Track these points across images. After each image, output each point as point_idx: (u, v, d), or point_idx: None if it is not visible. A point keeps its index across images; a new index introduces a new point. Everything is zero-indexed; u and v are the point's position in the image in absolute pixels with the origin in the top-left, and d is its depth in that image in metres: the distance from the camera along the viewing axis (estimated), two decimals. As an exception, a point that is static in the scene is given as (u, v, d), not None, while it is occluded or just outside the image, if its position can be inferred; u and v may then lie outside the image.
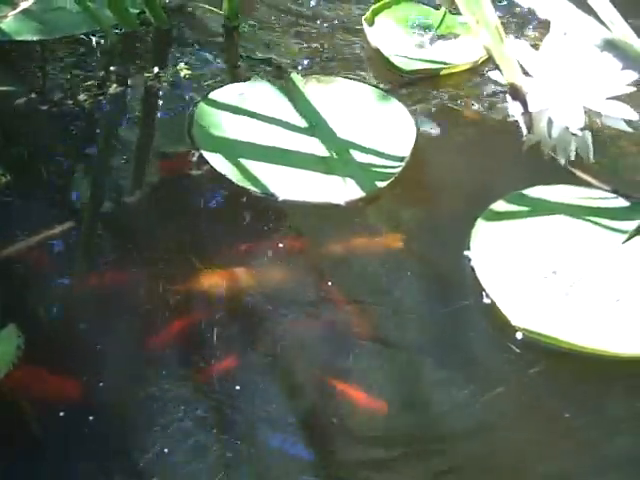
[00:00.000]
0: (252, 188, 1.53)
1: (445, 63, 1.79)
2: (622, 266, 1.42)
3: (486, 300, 1.37)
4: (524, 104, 1.15)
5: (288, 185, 1.53)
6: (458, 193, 1.56)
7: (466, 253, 1.43)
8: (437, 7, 1.91)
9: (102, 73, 1.75)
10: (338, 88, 1.73)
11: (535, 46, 1.72)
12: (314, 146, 1.61)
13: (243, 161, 1.57)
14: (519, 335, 1.33)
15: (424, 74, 1.78)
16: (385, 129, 1.65)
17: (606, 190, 1.53)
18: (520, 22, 1.88)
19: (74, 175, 1.60)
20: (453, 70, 1.79)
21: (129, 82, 1.74)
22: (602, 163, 1.60)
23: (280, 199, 1.51)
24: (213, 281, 1.39)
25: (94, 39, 1.81)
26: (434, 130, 1.57)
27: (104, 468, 1.18)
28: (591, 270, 1.41)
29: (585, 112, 1.63)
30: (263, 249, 1.44)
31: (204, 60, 1.80)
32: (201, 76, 1.76)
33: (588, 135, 1.63)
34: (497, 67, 1.15)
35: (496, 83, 1.71)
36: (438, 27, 1.87)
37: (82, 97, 1.68)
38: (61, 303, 1.36)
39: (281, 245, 1.45)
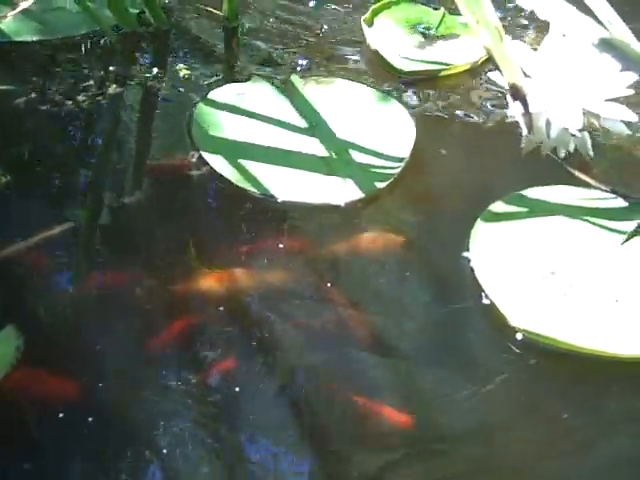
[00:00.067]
0: (251, 189, 1.53)
1: (444, 64, 1.79)
2: (621, 267, 1.42)
3: (485, 301, 1.37)
4: (524, 104, 1.15)
5: (287, 186, 1.53)
6: (457, 194, 1.56)
7: (465, 254, 1.43)
8: (436, 8, 1.91)
9: (101, 73, 1.75)
10: (337, 89, 1.73)
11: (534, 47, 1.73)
12: (313, 147, 1.61)
13: (242, 162, 1.57)
14: (518, 336, 1.33)
15: (423, 75, 1.78)
16: (384, 130, 1.65)
17: (605, 191, 1.53)
18: (518, 23, 1.88)
19: (73, 175, 1.60)
20: (452, 71, 1.79)
21: (128, 82, 1.74)
22: (601, 164, 1.61)
23: (279, 200, 1.51)
24: (212, 282, 1.39)
25: (94, 39, 1.81)
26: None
27: (103, 468, 1.18)
28: (590, 271, 1.41)
29: (584, 113, 1.63)
30: (262, 250, 1.44)
31: (203, 60, 1.80)
32: (200, 76, 1.76)
33: (587, 136, 1.63)
34: (497, 67, 1.16)
35: (496, 84, 1.71)
36: (437, 28, 1.87)
37: (81, 97, 1.69)
38: (60, 304, 1.35)
39: (281, 246, 1.45)
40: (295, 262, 1.43)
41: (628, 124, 1.65)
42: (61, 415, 1.21)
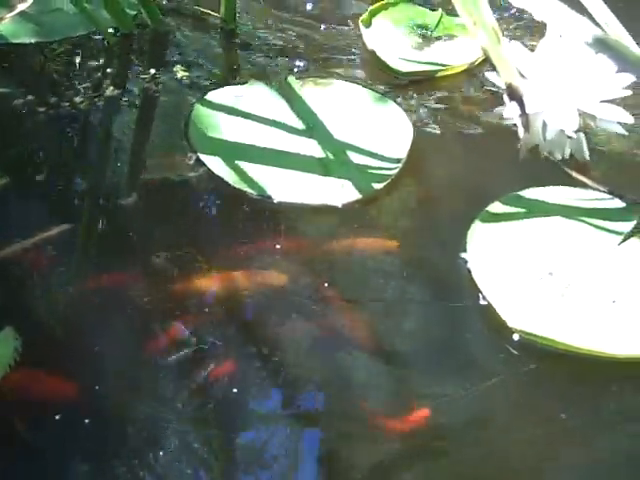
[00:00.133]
0: (249, 190, 1.53)
1: (442, 64, 1.79)
2: (618, 267, 1.42)
3: (482, 302, 1.37)
4: (521, 105, 1.15)
5: (285, 187, 1.53)
6: (454, 194, 1.56)
7: (462, 255, 1.43)
8: (434, 9, 1.91)
9: (99, 75, 1.75)
10: (335, 90, 1.73)
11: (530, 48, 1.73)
12: (311, 148, 1.61)
13: (240, 163, 1.57)
14: (516, 336, 1.33)
15: (421, 75, 1.78)
16: (382, 131, 1.65)
17: (602, 191, 1.53)
18: (516, 24, 1.89)
19: (71, 177, 1.60)
20: (450, 71, 1.79)
21: (126, 84, 1.74)
22: (598, 165, 1.61)
23: (277, 201, 1.51)
24: (210, 283, 1.39)
25: (91, 41, 1.81)
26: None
27: (102, 469, 1.18)
28: (587, 271, 1.41)
29: (580, 114, 1.63)
30: (260, 251, 1.44)
31: (201, 62, 1.81)
32: (198, 78, 1.76)
33: (582, 137, 1.63)
34: (494, 68, 1.16)
35: (493, 84, 1.71)
36: (435, 29, 1.87)
37: (79, 99, 1.68)
38: (58, 305, 1.35)
39: (278, 247, 1.45)
40: (293, 263, 1.43)
41: (624, 125, 1.65)
42: (59, 416, 1.21)
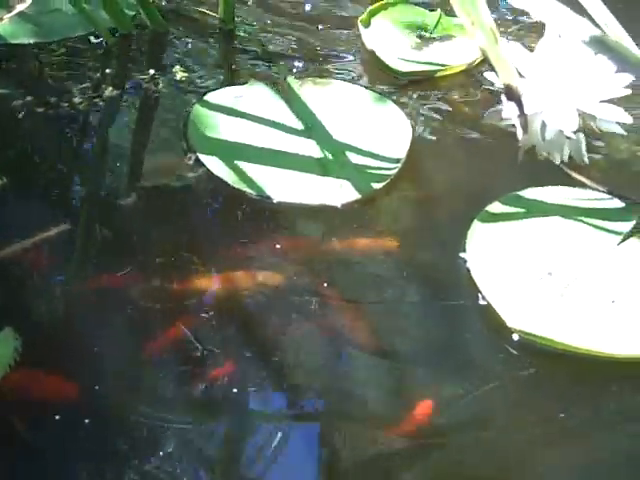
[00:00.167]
0: (248, 190, 1.53)
1: (441, 64, 1.80)
2: (617, 267, 1.42)
3: (482, 302, 1.37)
4: (520, 105, 1.15)
5: (284, 187, 1.53)
6: (454, 194, 1.56)
7: (462, 255, 1.43)
8: (432, 9, 1.92)
9: (98, 75, 1.75)
10: (334, 90, 1.73)
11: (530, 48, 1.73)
12: (310, 148, 1.61)
13: (239, 163, 1.57)
14: (515, 336, 1.33)
15: (420, 76, 1.79)
16: (381, 131, 1.65)
17: (601, 191, 1.53)
18: (514, 24, 1.89)
19: (70, 177, 1.61)
20: (448, 71, 1.79)
21: (125, 85, 1.74)
22: (597, 164, 1.61)
23: (276, 201, 1.51)
24: (209, 283, 1.39)
25: (90, 41, 1.81)
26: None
27: (102, 469, 1.18)
28: (586, 271, 1.42)
29: (579, 115, 1.63)
30: (259, 251, 1.44)
31: (200, 62, 1.81)
32: (197, 78, 1.76)
33: (582, 138, 1.63)
34: (492, 68, 1.16)
35: (492, 84, 1.71)
36: (434, 29, 1.87)
37: (78, 100, 1.68)
38: (58, 305, 1.36)
39: (277, 247, 1.45)
40: (292, 263, 1.43)
41: (623, 124, 1.65)
42: (59, 416, 1.21)
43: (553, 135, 1.63)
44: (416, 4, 1.94)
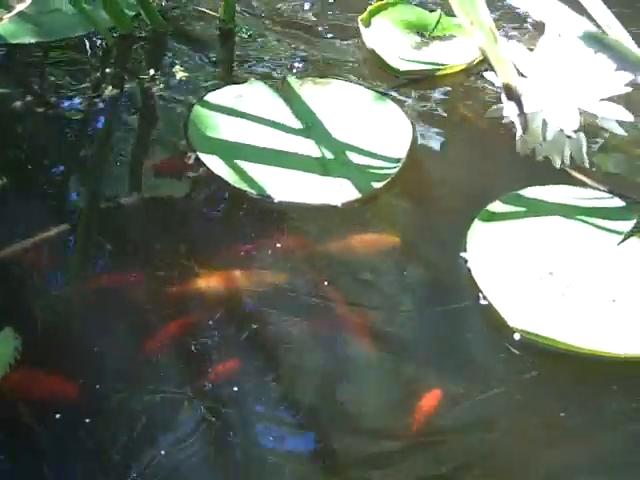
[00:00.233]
0: (248, 190, 1.53)
1: (440, 64, 1.80)
2: (618, 266, 1.42)
3: (483, 301, 1.37)
4: (519, 105, 1.15)
5: (284, 186, 1.53)
6: (454, 194, 1.56)
7: (463, 254, 1.43)
8: (432, 9, 1.92)
9: (98, 75, 1.75)
10: (334, 90, 1.73)
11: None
12: (310, 148, 1.61)
13: (239, 163, 1.57)
14: (516, 336, 1.33)
15: (419, 75, 1.79)
16: (381, 130, 1.65)
17: (602, 190, 1.53)
18: (514, 23, 1.89)
19: (70, 177, 1.61)
20: (448, 71, 1.80)
21: (125, 84, 1.74)
22: (598, 164, 1.61)
23: (276, 200, 1.51)
24: (210, 283, 1.39)
25: (90, 41, 1.81)
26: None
27: (102, 468, 1.18)
28: (587, 271, 1.41)
29: (580, 113, 1.63)
30: (260, 250, 1.44)
31: (200, 62, 1.81)
32: (197, 78, 1.76)
33: (582, 137, 1.63)
34: (492, 68, 1.16)
35: (491, 84, 1.71)
36: (434, 29, 1.87)
37: (78, 99, 1.69)
38: (58, 305, 1.35)
39: (278, 246, 1.45)
40: (292, 262, 1.43)
41: (623, 123, 1.65)
42: (59, 416, 1.21)
43: (554, 135, 1.63)
44: (416, 4, 1.94)
